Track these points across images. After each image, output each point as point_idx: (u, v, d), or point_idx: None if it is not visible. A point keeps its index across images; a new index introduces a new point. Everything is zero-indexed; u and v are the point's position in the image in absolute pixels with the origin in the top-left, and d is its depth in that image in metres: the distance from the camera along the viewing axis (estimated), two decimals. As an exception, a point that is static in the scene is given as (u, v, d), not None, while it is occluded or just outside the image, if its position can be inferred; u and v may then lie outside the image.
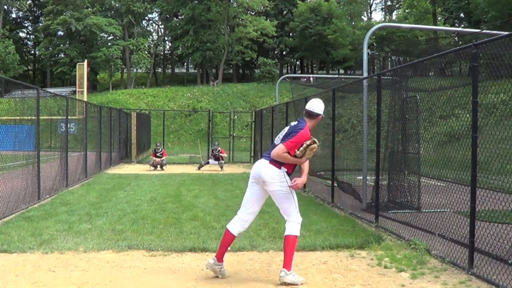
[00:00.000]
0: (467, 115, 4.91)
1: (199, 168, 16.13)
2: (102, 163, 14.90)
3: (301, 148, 4.22)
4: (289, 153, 4.20)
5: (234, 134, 21.97)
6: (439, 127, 11.72)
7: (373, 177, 7.32)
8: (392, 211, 7.04)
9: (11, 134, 9.24)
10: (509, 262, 4.41)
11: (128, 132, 20.07)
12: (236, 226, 4.36)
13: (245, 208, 4.40)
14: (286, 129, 4.41)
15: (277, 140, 4.37)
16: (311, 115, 4.39)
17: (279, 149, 4.20)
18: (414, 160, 7.40)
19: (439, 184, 9.39)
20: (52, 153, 12.05)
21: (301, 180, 4.28)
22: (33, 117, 8.93)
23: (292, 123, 4.47)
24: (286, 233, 4.25)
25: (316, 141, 4.31)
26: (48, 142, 17.63)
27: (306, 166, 4.41)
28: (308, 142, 4.22)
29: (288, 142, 4.19)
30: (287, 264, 4.18)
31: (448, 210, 5.52)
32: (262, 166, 4.26)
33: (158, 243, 5.51)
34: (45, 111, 10.76)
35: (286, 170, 4.25)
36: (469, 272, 4.50)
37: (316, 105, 4.41)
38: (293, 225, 4.25)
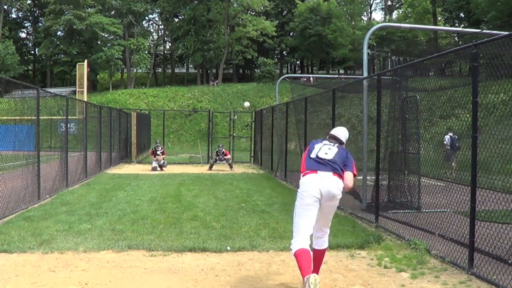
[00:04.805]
0: (467, 115, 4.91)
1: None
2: (102, 163, 14.91)
3: None
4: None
5: (234, 134, 21.97)
6: (439, 127, 11.70)
7: (373, 177, 7.32)
8: (392, 211, 7.04)
9: (11, 134, 9.23)
10: (509, 262, 4.41)
11: (128, 132, 20.08)
12: (306, 241, 3.93)
13: (308, 227, 3.94)
14: (335, 148, 4.25)
15: (331, 155, 4.17)
16: (341, 143, 4.45)
17: (352, 177, 4.17)
18: (414, 160, 7.40)
19: (439, 184, 9.38)
20: (52, 153, 12.06)
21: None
22: (33, 117, 8.93)
23: (336, 146, 4.32)
24: (324, 247, 4.23)
25: None
26: (48, 142, 17.63)
27: None
28: None
29: (354, 170, 4.23)
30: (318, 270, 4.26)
31: (448, 210, 5.52)
32: (334, 182, 4.02)
33: (158, 243, 5.51)
34: (45, 111, 10.76)
35: None
36: (469, 272, 4.50)
37: (344, 135, 4.50)
38: (327, 238, 4.28)
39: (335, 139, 4.41)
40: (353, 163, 4.23)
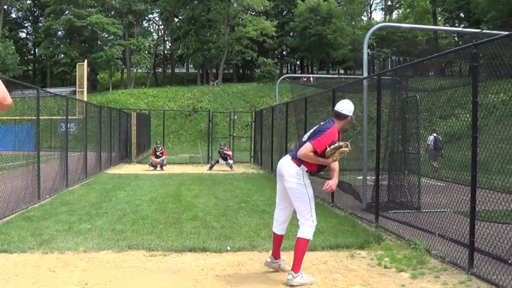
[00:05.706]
0: (467, 115, 4.91)
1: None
2: (102, 163, 14.91)
3: (332, 147, 4.20)
4: (315, 152, 4.17)
5: (234, 134, 21.96)
6: (439, 127, 11.71)
7: (373, 177, 7.32)
8: (392, 211, 7.04)
9: (11, 134, 9.23)
10: (509, 262, 4.41)
11: (128, 132, 20.08)
12: (276, 227, 4.50)
13: (277, 205, 4.50)
14: (316, 126, 4.47)
15: (305, 137, 4.41)
16: (339, 116, 4.41)
17: (306, 148, 4.18)
18: (414, 160, 7.40)
19: (439, 184, 9.39)
20: (52, 153, 12.06)
21: (333, 182, 4.29)
22: (33, 117, 8.93)
23: (322, 123, 4.50)
24: (298, 235, 4.22)
25: (349, 145, 4.28)
26: (48, 142, 17.63)
27: (336, 167, 4.36)
28: (339, 144, 4.22)
29: (315, 141, 4.18)
30: (295, 267, 4.16)
31: (448, 210, 5.52)
32: (284, 162, 4.32)
33: (158, 243, 5.51)
34: (45, 111, 10.76)
35: (306, 168, 4.22)
36: (469, 272, 4.50)
37: (344, 106, 4.42)
38: (305, 228, 4.19)
39: (334, 113, 4.49)
40: (320, 136, 4.20)
